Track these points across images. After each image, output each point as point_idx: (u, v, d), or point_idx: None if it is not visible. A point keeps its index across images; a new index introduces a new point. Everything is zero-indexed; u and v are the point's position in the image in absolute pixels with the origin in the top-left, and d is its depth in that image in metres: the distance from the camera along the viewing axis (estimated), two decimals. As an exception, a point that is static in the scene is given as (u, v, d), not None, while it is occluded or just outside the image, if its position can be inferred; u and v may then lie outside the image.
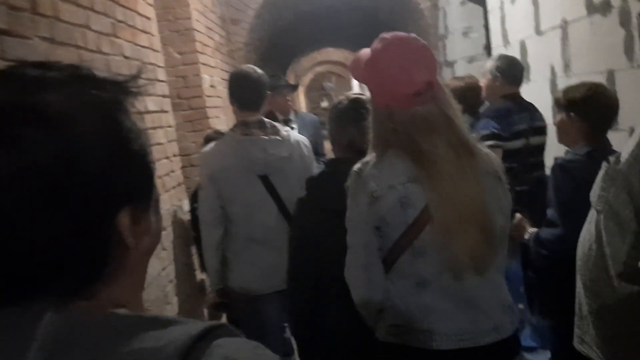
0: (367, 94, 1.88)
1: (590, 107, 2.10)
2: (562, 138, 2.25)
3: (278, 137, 2.54)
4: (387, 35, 1.48)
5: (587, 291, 1.39)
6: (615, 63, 2.63)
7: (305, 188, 1.87)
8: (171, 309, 2.80)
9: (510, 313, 1.48)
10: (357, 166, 1.49)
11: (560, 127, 2.22)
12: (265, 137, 2.51)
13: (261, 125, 2.54)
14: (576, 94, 2.13)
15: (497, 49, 4.52)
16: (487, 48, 4.96)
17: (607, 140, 2.17)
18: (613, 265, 1.27)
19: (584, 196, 1.86)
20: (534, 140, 2.99)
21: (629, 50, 2.50)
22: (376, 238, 1.45)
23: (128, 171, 0.58)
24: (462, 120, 1.46)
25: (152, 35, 3.07)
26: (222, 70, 5.26)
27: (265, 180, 2.51)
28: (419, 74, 1.41)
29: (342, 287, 1.52)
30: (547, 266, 2.13)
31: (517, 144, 2.88)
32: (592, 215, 1.40)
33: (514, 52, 4.08)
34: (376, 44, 1.48)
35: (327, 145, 4.54)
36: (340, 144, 1.83)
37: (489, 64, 3.16)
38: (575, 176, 2.04)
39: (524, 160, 2.94)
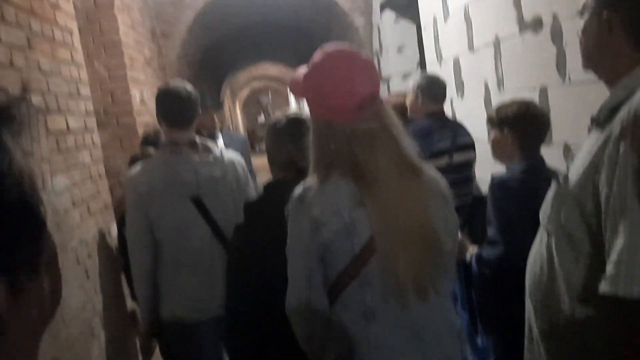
0: (307, 112, 1.80)
1: (523, 124, 2.12)
2: (497, 155, 2.25)
3: (210, 158, 2.41)
4: (328, 46, 1.39)
5: (539, 314, 1.35)
6: (548, 79, 2.67)
7: (243, 214, 1.75)
8: (98, 344, 2.60)
9: (459, 340, 1.42)
10: (298, 191, 1.38)
11: (495, 144, 2.22)
12: (197, 156, 2.38)
13: (192, 144, 2.41)
14: (509, 111, 2.15)
15: (431, 65, 4.57)
16: (422, 64, 5.02)
17: (541, 155, 2.19)
18: (566, 288, 1.23)
19: (524, 212, 1.86)
20: (458, 157, 2.98)
21: (560, 66, 2.54)
22: (320, 268, 1.34)
23: None
24: (406, 138, 1.39)
25: (74, 48, 2.89)
26: (154, 85, 5.07)
27: (197, 202, 2.37)
28: (362, 85, 1.33)
29: (286, 319, 1.41)
30: (490, 285, 2.11)
31: (440, 162, 2.85)
32: (541, 236, 1.36)
33: (448, 68, 4.13)
34: (317, 55, 1.39)
35: (255, 162, 4.45)
36: (279, 162, 1.73)
37: (412, 82, 3.16)
38: (514, 192, 2.05)
39: (448, 178, 2.92)
